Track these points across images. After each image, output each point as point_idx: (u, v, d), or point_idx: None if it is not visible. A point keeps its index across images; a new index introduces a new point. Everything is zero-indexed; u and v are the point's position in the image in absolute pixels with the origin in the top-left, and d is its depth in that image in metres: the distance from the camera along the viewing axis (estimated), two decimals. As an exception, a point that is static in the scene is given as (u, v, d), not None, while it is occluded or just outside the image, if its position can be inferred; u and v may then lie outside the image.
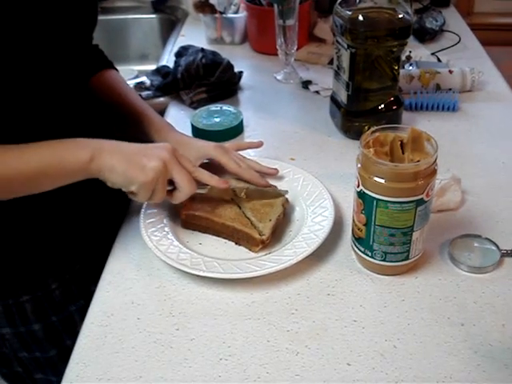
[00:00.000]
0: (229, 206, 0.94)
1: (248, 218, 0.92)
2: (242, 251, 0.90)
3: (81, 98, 0.98)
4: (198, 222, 0.93)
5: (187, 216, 0.93)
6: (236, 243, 0.92)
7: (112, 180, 0.82)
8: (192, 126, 1.21)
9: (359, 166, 0.79)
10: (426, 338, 0.76)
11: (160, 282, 0.86)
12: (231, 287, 0.84)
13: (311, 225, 0.91)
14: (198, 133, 1.20)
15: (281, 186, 1.00)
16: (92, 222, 1.02)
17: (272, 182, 1.00)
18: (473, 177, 1.04)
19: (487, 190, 1.02)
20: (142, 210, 0.94)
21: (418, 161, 0.78)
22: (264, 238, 0.88)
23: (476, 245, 0.89)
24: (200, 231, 0.94)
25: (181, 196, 0.87)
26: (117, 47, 1.99)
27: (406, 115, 1.22)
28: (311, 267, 0.86)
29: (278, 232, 0.93)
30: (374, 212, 0.79)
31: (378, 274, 0.85)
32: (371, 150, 0.78)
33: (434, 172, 0.77)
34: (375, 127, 0.82)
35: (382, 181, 0.76)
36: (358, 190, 0.80)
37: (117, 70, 1.14)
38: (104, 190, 0.88)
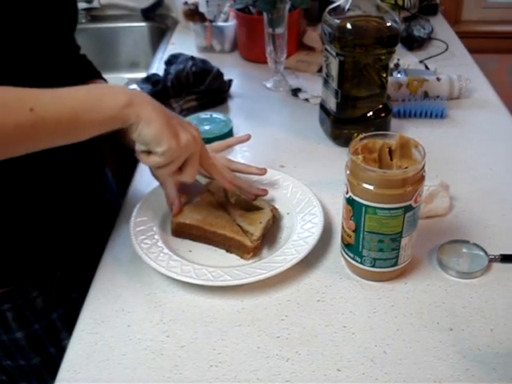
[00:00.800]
0: (219, 213, 0.95)
1: (238, 224, 0.92)
2: (232, 258, 0.91)
3: None
4: (188, 231, 0.93)
5: (178, 225, 0.94)
6: (227, 251, 0.92)
7: (143, 133, 0.76)
8: (182, 133, 1.22)
9: (348, 172, 0.80)
10: (415, 343, 0.76)
11: (150, 289, 0.86)
12: (221, 294, 0.84)
13: (301, 232, 0.92)
14: (188, 140, 1.21)
15: (270, 192, 1.00)
16: (72, 227, 1.00)
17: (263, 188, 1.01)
18: (461, 183, 1.05)
19: (475, 195, 1.03)
20: (132, 218, 0.94)
21: (406, 167, 0.79)
22: (254, 238, 0.88)
23: (464, 250, 0.90)
24: (191, 239, 0.94)
25: (179, 177, 0.85)
26: (107, 55, 1.99)
27: (394, 122, 1.23)
28: (301, 274, 0.87)
29: (268, 239, 0.93)
30: (363, 218, 0.79)
31: (368, 280, 0.86)
32: (360, 156, 0.79)
33: (422, 178, 0.78)
34: (364, 134, 0.83)
35: (371, 187, 0.77)
36: (347, 196, 0.81)
37: (105, 79, 1.13)
38: (84, 199, 0.87)
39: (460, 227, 0.96)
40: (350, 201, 0.80)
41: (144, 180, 1.09)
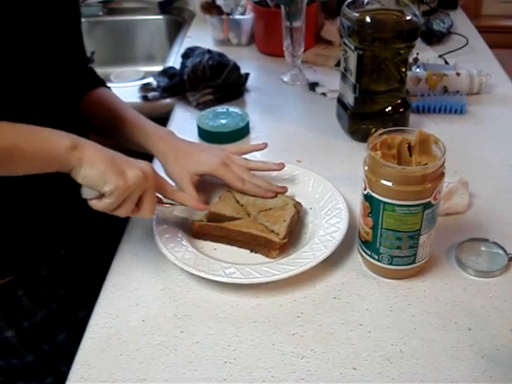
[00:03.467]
0: (241, 212, 0.93)
1: (262, 224, 0.90)
2: (258, 256, 0.89)
3: (69, 119, 0.97)
4: (211, 232, 0.91)
5: (200, 226, 0.92)
6: (251, 251, 0.90)
7: (88, 176, 0.76)
8: (198, 127, 1.21)
9: (366, 168, 0.79)
10: (432, 342, 0.75)
11: (165, 284, 0.85)
12: (236, 290, 0.83)
13: (326, 226, 0.91)
14: (204, 134, 1.20)
15: (291, 188, 0.99)
16: (57, 223, 0.99)
17: (283, 185, 0.99)
18: (480, 180, 1.03)
19: (495, 193, 1.01)
20: (155, 217, 0.93)
21: (426, 164, 0.77)
22: (281, 237, 0.87)
23: (483, 249, 0.89)
24: (212, 240, 0.92)
25: (138, 215, 0.83)
26: (123, 48, 1.99)
27: (413, 118, 1.21)
28: (317, 270, 0.85)
29: (293, 235, 0.92)
30: (380, 215, 0.78)
31: (385, 277, 0.85)
32: (378, 152, 0.78)
33: (441, 175, 0.77)
34: (382, 130, 0.81)
35: (390, 184, 0.75)
36: (365, 192, 0.80)
37: (109, 88, 1.12)
38: (67, 192, 0.86)
39: (479, 225, 0.94)
40: (367, 197, 0.79)
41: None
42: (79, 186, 0.78)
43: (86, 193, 0.78)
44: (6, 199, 0.89)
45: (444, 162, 0.77)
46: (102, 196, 0.78)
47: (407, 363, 0.73)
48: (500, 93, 1.36)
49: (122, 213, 0.80)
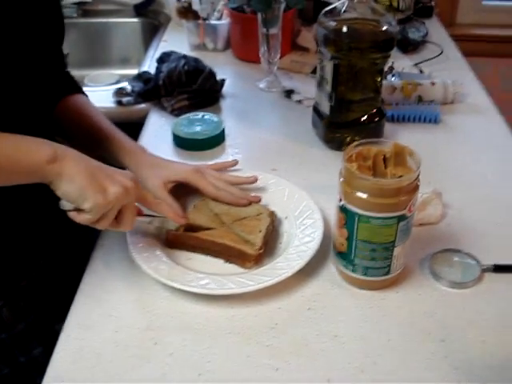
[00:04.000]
0: (215, 222, 0.93)
1: (237, 234, 0.90)
2: (233, 266, 0.89)
3: (42, 125, 0.95)
4: (185, 241, 0.91)
5: (174, 236, 0.91)
6: (226, 261, 0.90)
7: (66, 190, 0.75)
8: (173, 134, 1.20)
9: (342, 180, 0.79)
10: (406, 354, 0.76)
11: (138, 294, 0.84)
12: (211, 301, 0.83)
13: (301, 237, 0.90)
14: (179, 141, 1.19)
15: (266, 197, 0.99)
16: (35, 233, 0.98)
17: (257, 194, 0.99)
18: (454, 190, 1.04)
19: (468, 203, 1.02)
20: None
21: (401, 176, 0.78)
22: (257, 248, 0.86)
23: (456, 259, 0.90)
24: (187, 250, 0.91)
25: (117, 228, 0.82)
26: (98, 51, 1.96)
27: (388, 127, 1.22)
28: (292, 281, 0.85)
29: (268, 245, 0.91)
30: (356, 227, 0.78)
31: (359, 288, 0.85)
32: (354, 164, 0.78)
33: (416, 187, 0.77)
34: (358, 141, 0.82)
35: (365, 196, 0.76)
36: (340, 204, 0.80)
37: (86, 95, 1.10)
38: (44, 202, 0.85)
39: (453, 236, 0.95)
40: (343, 209, 0.79)
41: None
42: (58, 197, 0.77)
43: (65, 205, 0.77)
44: None
45: (419, 175, 0.77)
46: (80, 210, 0.76)
47: (381, 375, 0.73)
48: (473, 102, 1.37)
49: (100, 226, 0.79)
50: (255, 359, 0.75)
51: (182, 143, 1.19)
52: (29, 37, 0.85)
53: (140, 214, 0.87)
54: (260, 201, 0.97)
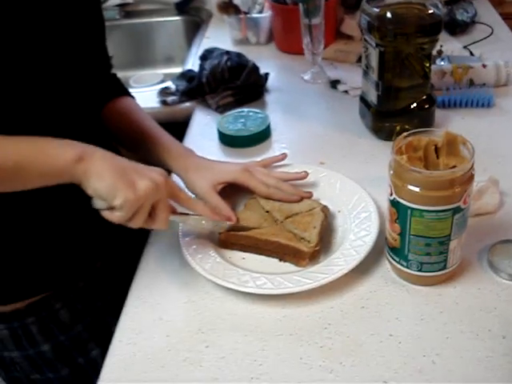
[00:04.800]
0: (268, 220, 0.91)
1: (290, 232, 0.88)
2: (287, 264, 0.87)
3: (91, 128, 0.96)
4: (238, 241, 0.89)
5: (227, 235, 0.90)
6: (280, 260, 0.88)
7: (96, 188, 0.73)
8: (218, 131, 1.19)
9: (392, 172, 0.76)
10: (465, 352, 0.72)
11: (188, 296, 0.84)
12: (262, 302, 0.81)
13: (357, 231, 0.88)
14: (225, 138, 1.18)
15: (317, 191, 0.97)
16: (92, 235, 0.98)
17: (309, 188, 0.97)
18: (511, 177, 0.99)
19: (527, 190, 0.97)
20: (180, 228, 0.91)
21: (454, 166, 0.74)
22: (312, 245, 0.84)
23: (517, 251, 0.85)
24: (240, 250, 0.90)
25: (151, 226, 0.80)
26: (142, 51, 1.97)
27: (438, 113, 1.18)
28: (344, 279, 0.82)
29: (323, 241, 0.89)
30: (408, 221, 0.75)
31: (415, 284, 0.82)
32: (404, 156, 0.75)
33: (471, 178, 0.74)
34: (407, 132, 0.78)
35: (417, 189, 0.72)
36: (391, 198, 0.77)
37: (133, 97, 1.10)
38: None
39: (512, 225, 0.90)
40: (394, 203, 0.76)
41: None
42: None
43: (97, 203, 0.76)
44: (40, 215, 0.88)
45: (473, 164, 0.73)
46: (112, 208, 0.75)
47: (440, 375, 0.70)
48: (528, 83, 1.31)
49: (134, 224, 0.77)
50: (308, 361, 0.73)
51: (228, 140, 1.18)
52: (71, 39, 0.85)
53: (175, 212, 0.85)
54: (312, 196, 0.95)
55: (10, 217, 0.86)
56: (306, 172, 0.98)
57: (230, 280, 0.81)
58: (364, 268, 0.84)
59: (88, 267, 1.00)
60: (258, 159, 1.04)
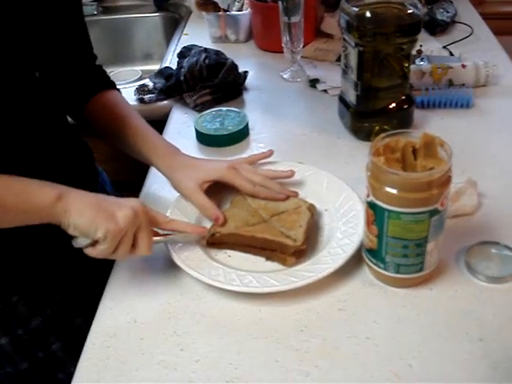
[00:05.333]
0: (255, 218, 0.90)
1: (277, 229, 0.87)
2: (271, 264, 0.86)
3: (65, 125, 0.94)
4: (224, 240, 0.88)
5: (212, 235, 0.88)
6: (267, 259, 0.87)
7: (77, 224, 0.74)
8: (196, 130, 1.18)
9: (369, 174, 0.75)
10: (442, 355, 0.72)
11: (163, 299, 0.82)
12: (237, 304, 0.80)
13: (344, 229, 0.88)
14: (202, 138, 1.17)
15: (304, 189, 0.97)
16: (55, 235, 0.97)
17: (295, 186, 0.97)
18: (489, 178, 0.99)
19: (505, 192, 0.97)
20: None
21: (432, 168, 0.74)
22: (299, 244, 0.83)
23: (494, 252, 0.85)
24: (226, 248, 0.89)
25: (136, 254, 0.79)
26: (120, 47, 1.95)
27: (417, 113, 1.17)
28: (320, 280, 0.81)
29: (309, 240, 0.88)
30: (385, 223, 0.75)
31: (392, 286, 0.81)
32: (381, 158, 0.74)
33: (448, 180, 0.73)
34: (385, 133, 0.78)
35: (394, 191, 0.72)
36: (369, 200, 0.76)
37: (119, 90, 1.09)
38: None
39: (489, 227, 0.90)
40: (371, 205, 0.76)
41: (158, 180, 1.05)
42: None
43: (79, 242, 0.76)
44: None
45: (451, 166, 0.73)
46: (95, 243, 0.75)
47: (417, 378, 0.69)
48: (507, 84, 1.31)
49: (119, 255, 0.77)
50: (284, 364, 0.72)
51: (206, 139, 1.17)
52: (49, 28, 0.85)
53: (156, 234, 0.83)
54: (297, 196, 0.94)
55: None
56: (292, 171, 0.97)
57: (216, 278, 0.80)
58: (341, 270, 0.83)
59: (47, 259, 0.98)
60: (236, 158, 1.03)
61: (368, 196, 0.76)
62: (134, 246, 0.78)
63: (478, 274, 0.81)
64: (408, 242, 0.75)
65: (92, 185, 1.05)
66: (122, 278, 0.87)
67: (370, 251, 0.80)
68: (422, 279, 0.81)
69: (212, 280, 0.80)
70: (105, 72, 1.10)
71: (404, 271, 0.78)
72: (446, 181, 0.73)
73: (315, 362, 0.72)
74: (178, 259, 0.84)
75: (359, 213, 0.88)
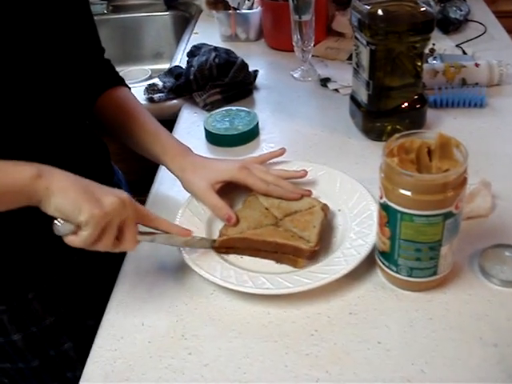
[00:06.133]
0: (266, 219, 0.88)
1: (290, 230, 0.85)
2: (282, 266, 0.85)
3: (81, 119, 0.94)
4: (233, 245, 0.86)
5: (221, 241, 0.86)
6: (277, 262, 0.85)
7: (59, 204, 0.69)
8: (205, 130, 1.17)
9: (382, 175, 0.74)
10: (456, 360, 0.70)
11: (172, 301, 0.81)
12: (247, 307, 0.79)
13: (357, 230, 0.86)
14: (212, 137, 1.16)
15: (317, 189, 0.95)
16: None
17: (308, 186, 0.95)
18: (504, 179, 0.98)
19: (519, 193, 0.95)
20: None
21: (447, 170, 0.72)
22: (312, 245, 0.82)
23: (509, 255, 0.83)
24: (236, 253, 0.87)
25: (119, 248, 0.75)
26: (130, 46, 1.94)
27: (430, 113, 1.16)
28: (331, 283, 0.79)
29: (323, 241, 0.86)
30: (398, 225, 0.73)
31: (404, 289, 0.79)
32: (395, 159, 0.72)
33: (464, 182, 0.71)
34: (400, 133, 0.76)
35: (408, 193, 0.70)
36: (382, 201, 0.74)
37: (128, 86, 1.08)
38: None
39: (504, 229, 0.88)
40: (384, 206, 0.74)
41: (167, 181, 1.04)
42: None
43: (60, 229, 0.71)
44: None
45: (466, 168, 0.71)
46: (78, 229, 0.70)
47: (429, 384, 0.68)
48: (522, 83, 1.29)
49: (102, 246, 0.72)
50: (294, 369, 0.71)
51: (215, 139, 1.16)
52: (58, 21, 0.84)
53: (140, 232, 0.79)
54: (311, 195, 0.93)
55: None
56: (304, 171, 0.95)
57: (228, 280, 0.79)
58: (352, 272, 0.81)
59: (64, 259, 0.97)
60: (247, 157, 1.01)
61: (381, 197, 0.74)
62: (118, 239, 0.74)
63: (492, 277, 0.80)
64: (421, 244, 0.73)
65: (107, 183, 1.04)
66: (130, 280, 0.86)
67: (383, 254, 0.79)
68: (436, 283, 0.79)
69: (224, 281, 0.79)
70: (113, 68, 1.09)
71: (417, 275, 0.77)
72: (461, 183, 0.71)
73: (325, 366, 0.71)
74: (188, 260, 0.82)
75: (373, 213, 0.86)
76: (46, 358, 1.00)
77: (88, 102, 0.99)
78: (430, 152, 0.75)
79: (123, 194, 0.74)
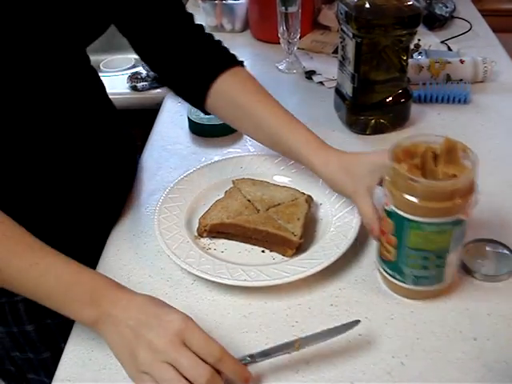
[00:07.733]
0: (251, 209, 0.88)
1: (275, 221, 0.85)
2: (264, 257, 0.85)
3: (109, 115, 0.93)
4: (224, 230, 0.86)
5: (212, 225, 0.86)
6: (264, 250, 0.85)
7: (116, 355, 0.67)
8: (189, 119, 1.16)
9: (387, 179, 0.72)
10: (436, 354, 0.70)
11: (151, 290, 0.80)
12: (228, 298, 0.79)
13: (338, 224, 0.86)
14: (195, 127, 1.15)
15: (300, 182, 0.95)
16: (102, 215, 0.94)
17: (291, 179, 0.96)
18: (485, 175, 0.95)
19: (501, 189, 0.96)
20: (155, 216, 0.88)
21: (454, 175, 0.70)
22: (297, 237, 0.82)
23: (489, 250, 0.84)
24: (225, 239, 0.87)
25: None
26: (113, 35, 1.90)
27: (414, 108, 1.16)
28: (313, 274, 0.79)
29: (305, 233, 0.86)
30: (405, 233, 0.71)
31: (409, 299, 0.77)
32: (404, 165, 0.70)
33: (472, 188, 0.70)
34: (405, 137, 0.74)
35: (417, 200, 0.68)
36: (388, 208, 0.72)
37: (244, 65, 0.97)
38: (113, 185, 0.87)
39: (485, 224, 0.88)
40: (390, 214, 0.72)
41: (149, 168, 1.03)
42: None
43: None
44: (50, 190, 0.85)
45: (476, 174, 0.70)
46: None
47: (409, 377, 0.68)
48: (505, 81, 1.30)
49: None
50: (273, 360, 0.70)
51: (199, 129, 1.15)
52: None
53: None
54: None
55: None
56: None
57: (206, 271, 0.79)
58: (334, 265, 0.81)
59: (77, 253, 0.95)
60: (229, 150, 1.00)
61: (387, 204, 0.72)
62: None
63: (474, 272, 0.80)
64: (429, 253, 0.72)
65: (130, 177, 1.03)
66: (109, 268, 0.85)
67: (387, 262, 0.77)
68: (441, 291, 0.77)
69: (201, 272, 0.78)
70: (220, 42, 0.98)
71: (422, 283, 0.75)
72: (470, 189, 0.70)
73: (305, 358, 0.70)
74: (167, 249, 0.82)
75: (355, 208, 0.86)
76: (58, 350, 0.98)
77: (199, 91, 0.92)
78: (435, 157, 0.73)
79: (179, 324, 0.65)
